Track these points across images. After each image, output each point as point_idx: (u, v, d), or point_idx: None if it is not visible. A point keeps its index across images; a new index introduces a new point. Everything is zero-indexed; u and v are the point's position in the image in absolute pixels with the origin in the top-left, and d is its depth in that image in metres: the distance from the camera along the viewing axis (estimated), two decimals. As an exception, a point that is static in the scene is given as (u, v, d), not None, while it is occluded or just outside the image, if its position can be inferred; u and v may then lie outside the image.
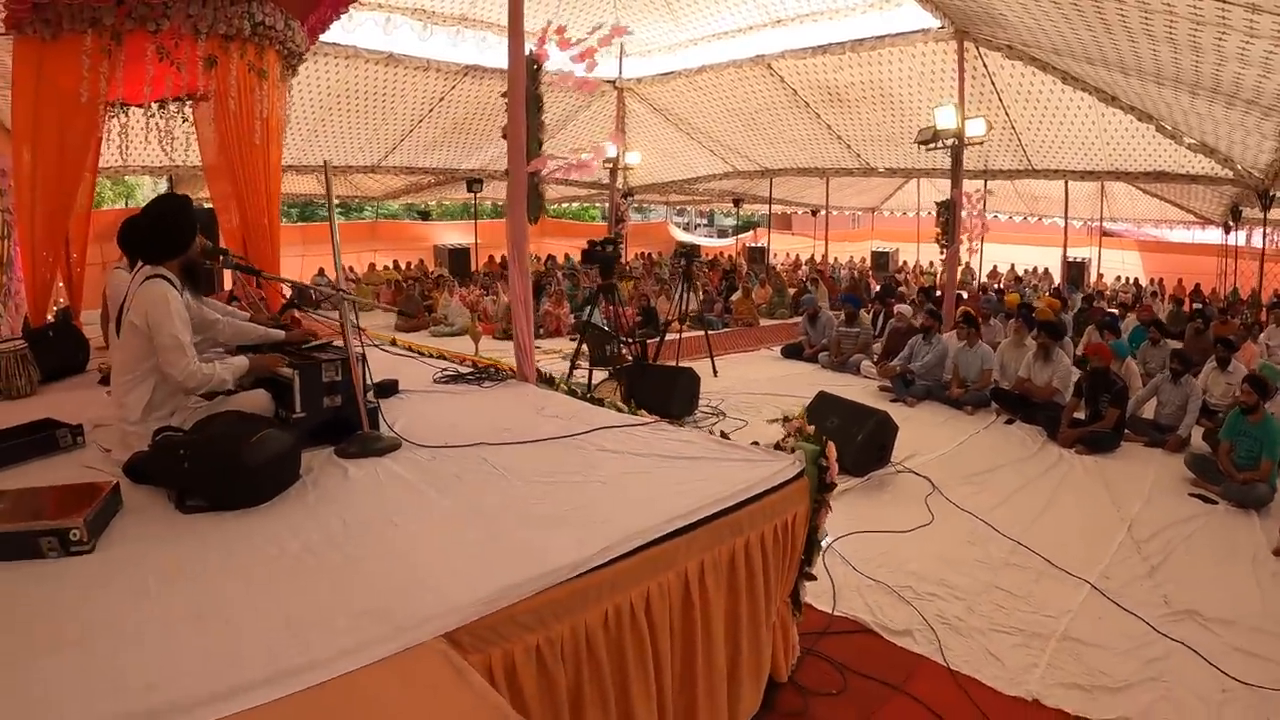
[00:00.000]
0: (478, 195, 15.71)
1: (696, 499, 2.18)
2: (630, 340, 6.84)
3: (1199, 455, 5.46)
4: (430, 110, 12.76)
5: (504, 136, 4.29)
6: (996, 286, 16.00)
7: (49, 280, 5.25)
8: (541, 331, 11.47)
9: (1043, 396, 6.66)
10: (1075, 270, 17.79)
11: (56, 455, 2.87)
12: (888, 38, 9.77)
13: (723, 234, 34.44)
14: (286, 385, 2.94)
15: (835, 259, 22.59)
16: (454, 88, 12.36)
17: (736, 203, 21.43)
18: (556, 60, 4.97)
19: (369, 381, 3.08)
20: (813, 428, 2.65)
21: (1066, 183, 13.63)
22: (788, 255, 24.99)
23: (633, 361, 6.63)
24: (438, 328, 11.65)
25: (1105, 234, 18.95)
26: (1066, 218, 15.20)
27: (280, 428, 2.63)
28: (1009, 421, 6.67)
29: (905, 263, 22.49)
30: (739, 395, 7.23)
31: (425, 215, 25.04)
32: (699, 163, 15.99)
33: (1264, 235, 10.50)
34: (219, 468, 2.29)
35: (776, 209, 23.38)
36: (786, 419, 2.73)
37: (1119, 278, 18.81)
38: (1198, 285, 16.35)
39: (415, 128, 13.13)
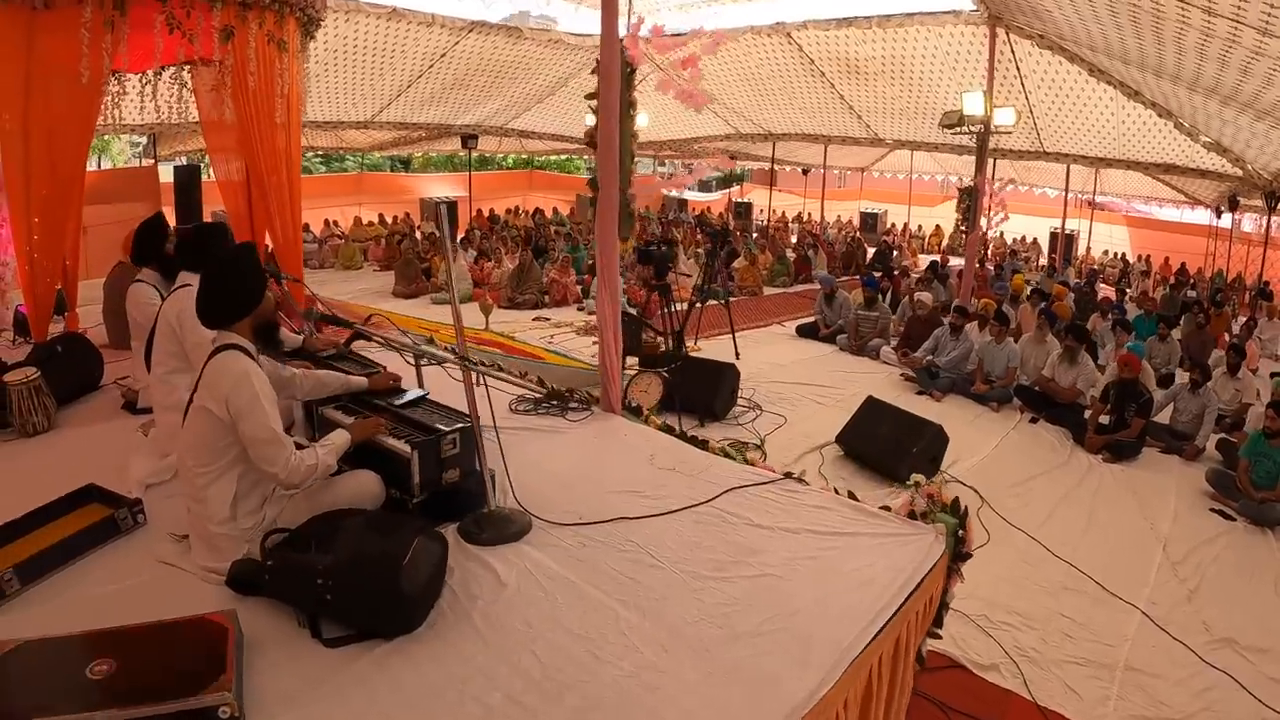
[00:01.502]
0: (472, 150, 15.40)
1: (875, 594, 2.25)
2: (668, 333, 6.90)
3: (1219, 471, 5.78)
4: (430, 66, 12.41)
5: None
6: (996, 263, 16.22)
7: (49, 290, 4.95)
8: (547, 300, 11.38)
9: (1067, 398, 6.94)
10: (1064, 243, 18.15)
11: (117, 540, 2.58)
12: (917, 16, 9.73)
13: (705, 187, 34.16)
14: (392, 456, 2.65)
15: (825, 216, 22.67)
16: (457, 44, 12.01)
17: (733, 158, 21.27)
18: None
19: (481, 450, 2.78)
20: (949, 497, 2.79)
21: (1069, 166, 13.80)
22: (774, 212, 25.00)
23: (670, 354, 6.68)
24: (439, 294, 11.26)
25: (1095, 207, 19.32)
26: (1067, 192, 15.42)
27: (396, 513, 2.46)
28: (1033, 420, 6.95)
29: (894, 225, 22.63)
30: (769, 385, 7.33)
31: (405, 164, 24.46)
32: (701, 123, 15.87)
33: (1267, 224, 10.82)
34: (372, 598, 2.01)
35: (763, 165, 23.33)
36: (918, 484, 2.86)
37: (1106, 251, 19.26)
38: (1183, 265, 16.85)
39: (414, 83, 12.77)
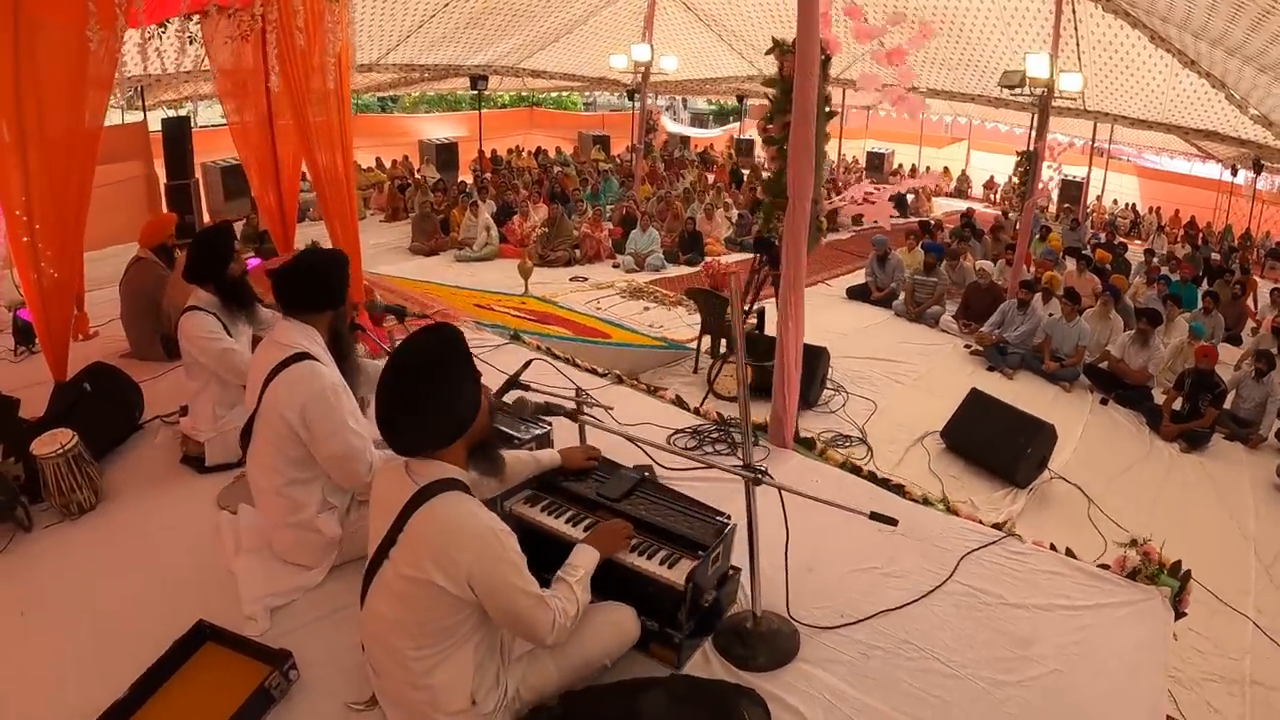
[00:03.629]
0: (482, 91, 14.89)
1: (1147, 692, 2.34)
2: (748, 311, 6.87)
3: (1290, 465, 6.11)
4: (445, 5, 11.85)
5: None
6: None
7: (64, 309, 4.01)
8: (579, 255, 11.18)
9: (1138, 380, 7.20)
10: (1073, 189, 18.28)
11: (273, 710, 2.13)
12: (978, -29, 9.56)
13: (700, 122, 33.46)
14: (639, 579, 2.22)
15: (825, 154, 22.39)
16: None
17: (741, 99, 20.89)
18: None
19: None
20: (1170, 559, 2.93)
21: (1096, 122, 13.83)
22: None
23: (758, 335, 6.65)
24: (462, 252, 10.87)
25: (1105, 155, 19.43)
26: (1094, 142, 15.47)
27: (696, 680, 2.11)
28: (1103, 401, 7.22)
29: (900, 165, 22.49)
30: (840, 360, 7.27)
31: (393, 102, 23.55)
32: (722, 64, 15.53)
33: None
34: None
35: (757, 101, 22.86)
36: (1135, 543, 3.01)
37: (1115, 201, 19.50)
38: (1193, 219, 17.19)
39: (426, 23, 12.20)
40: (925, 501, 3.37)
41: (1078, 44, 10.15)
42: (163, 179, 9.30)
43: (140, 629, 2.40)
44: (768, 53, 5.00)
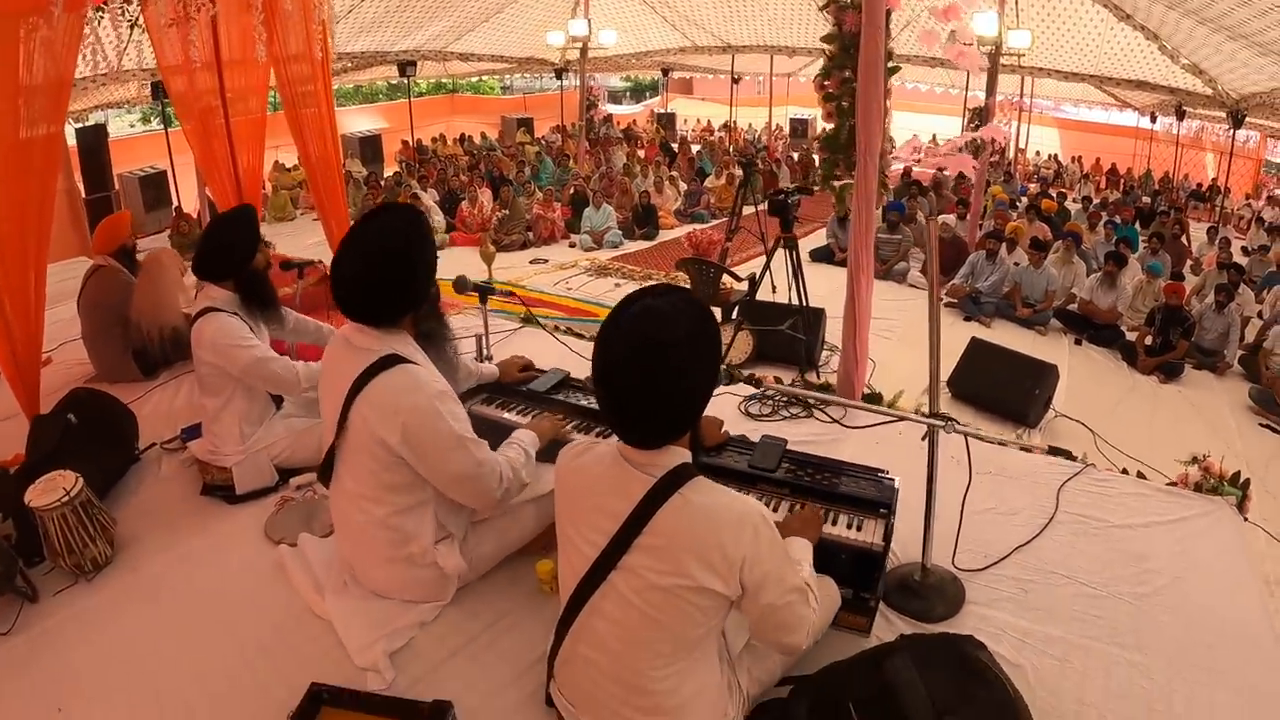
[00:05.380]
0: (410, 78, 14.52)
1: (1250, 586, 2.62)
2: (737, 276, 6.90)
3: (1259, 390, 6.57)
4: (374, -12, 11.52)
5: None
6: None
7: (34, 345, 3.55)
8: (531, 238, 11.08)
9: (1107, 319, 7.59)
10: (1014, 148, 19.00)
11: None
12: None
13: (615, 99, 33.36)
14: (838, 548, 2.20)
15: (750, 124, 22.68)
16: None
17: (665, 72, 20.91)
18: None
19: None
20: (1230, 470, 3.17)
21: (1023, 77, 14.39)
22: (698, 122, 24.85)
23: (745, 299, 6.70)
24: None
25: (1029, 109, 20.26)
26: (1022, 96, 16.12)
27: (931, 638, 2.06)
28: (1077, 342, 7.58)
29: (824, 129, 22.87)
30: (831, 323, 7.43)
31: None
32: (654, 36, 15.54)
33: (1232, 134, 11.85)
34: None
35: (680, 75, 22.93)
36: (1195, 460, 3.24)
37: (1038, 153, 20.39)
38: (1114, 166, 18.15)
39: (355, 9, 11.81)
40: (1001, 443, 3.53)
41: (1016, 3, 10.54)
42: (82, 192, 8.86)
43: (228, 707, 2.02)
44: (823, 8, 5.00)
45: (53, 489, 2.47)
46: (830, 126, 5.67)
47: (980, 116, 9.49)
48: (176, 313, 4.21)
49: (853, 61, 3.59)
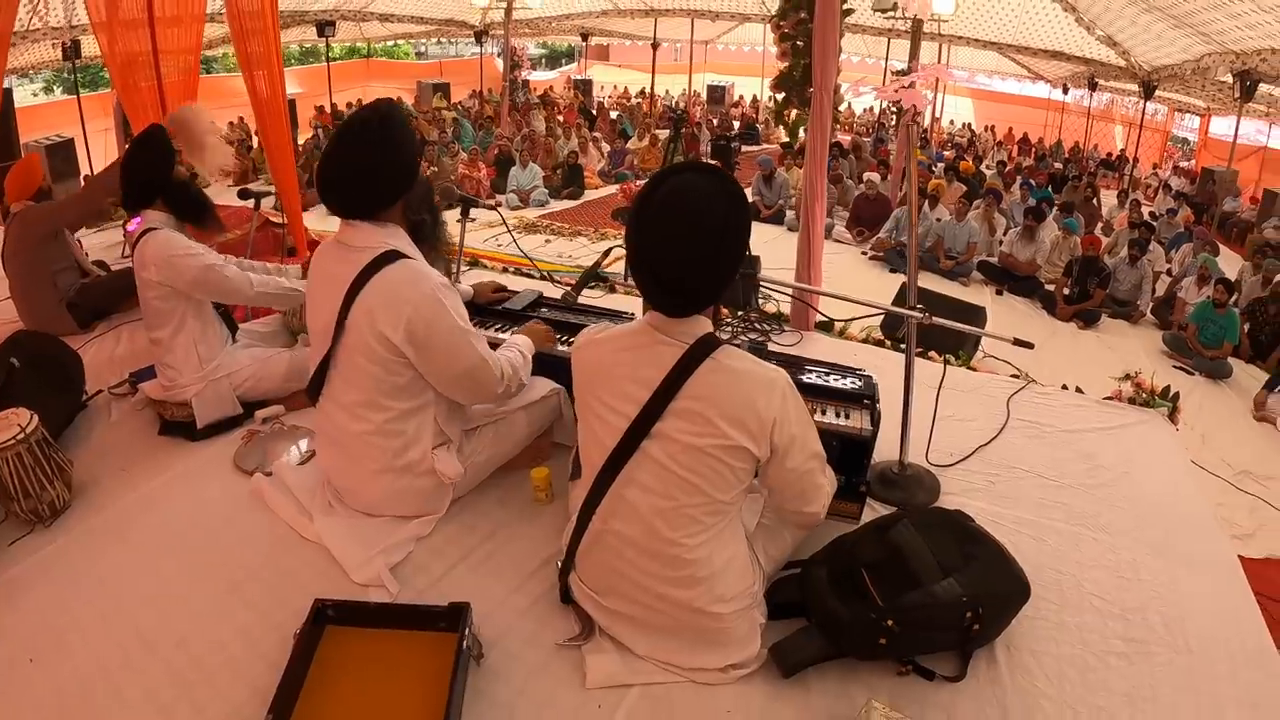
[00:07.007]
0: (329, 39, 13.96)
1: (1192, 480, 2.87)
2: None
3: (1173, 335, 7.03)
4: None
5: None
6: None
7: None
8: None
9: (1026, 271, 7.98)
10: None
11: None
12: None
13: (531, 66, 32.87)
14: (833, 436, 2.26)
15: (667, 91, 22.73)
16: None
17: (584, 37, 20.72)
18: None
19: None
20: (1159, 385, 3.47)
21: (941, 46, 14.85)
22: (615, 88, 24.74)
23: None
24: None
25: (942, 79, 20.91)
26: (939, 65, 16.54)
27: (928, 510, 2.28)
28: (999, 292, 7.93)
29: (741, 97, 23.04)
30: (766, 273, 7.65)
31: (217, 61, 21.55)
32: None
33: (1141, 106, 12.50)
34: (1013, 600, 1.90)
35: (597, 40, 22.72)
36: (1128, 376, 3.47)
37: (952, 122, 21.10)
38: (1025, 135, 18.96)
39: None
40: (949, 361, 3.69)
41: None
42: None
43: (225, 635, 1.90)
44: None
45: (6, 427, 2.29)
46: (784, 65, 5.74)
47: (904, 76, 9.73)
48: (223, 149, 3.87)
49: (809, 3, 3.69)
